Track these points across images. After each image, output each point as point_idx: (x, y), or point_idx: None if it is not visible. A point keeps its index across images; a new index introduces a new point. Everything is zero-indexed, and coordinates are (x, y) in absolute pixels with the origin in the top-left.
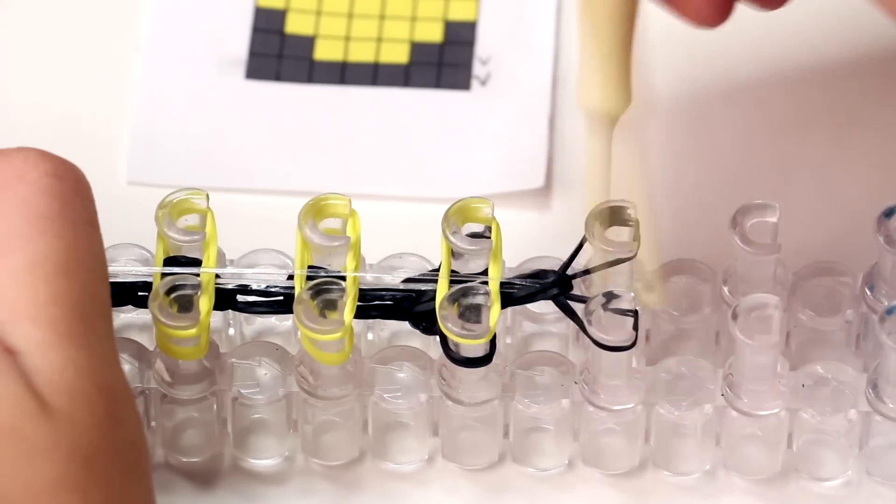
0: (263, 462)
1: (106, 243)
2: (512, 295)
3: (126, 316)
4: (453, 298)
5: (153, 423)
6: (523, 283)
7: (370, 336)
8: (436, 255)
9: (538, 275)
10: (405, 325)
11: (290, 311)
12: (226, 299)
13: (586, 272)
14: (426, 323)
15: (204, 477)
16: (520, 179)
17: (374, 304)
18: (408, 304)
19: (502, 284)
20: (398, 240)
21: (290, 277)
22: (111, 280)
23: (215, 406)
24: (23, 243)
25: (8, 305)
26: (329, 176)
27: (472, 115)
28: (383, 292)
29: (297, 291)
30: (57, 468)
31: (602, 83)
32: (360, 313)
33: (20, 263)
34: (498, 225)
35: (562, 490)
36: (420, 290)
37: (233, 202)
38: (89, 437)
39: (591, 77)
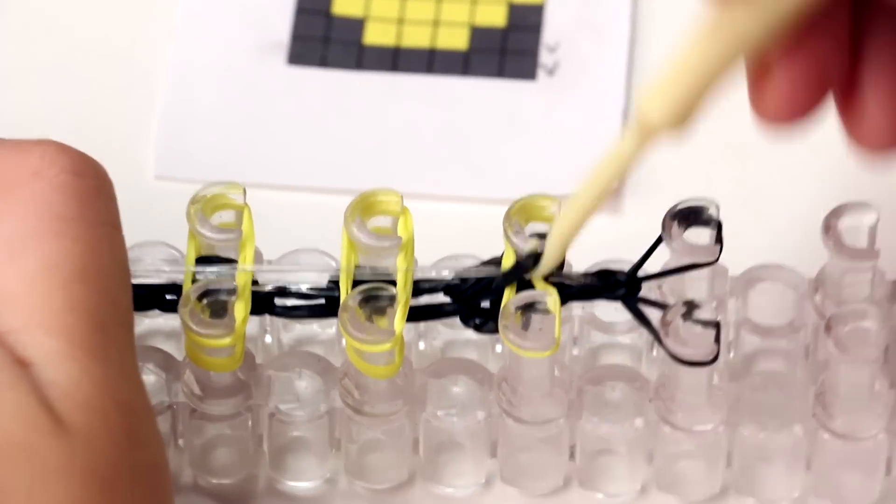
0: (303, 485)
1: (131, 242)
2: (573, 292)
3: (151, 321)
4: (517, 305)
5: (181, 441)
6: (587, 282)
7: (422, 346)
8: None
9: (604, 275)
10: (460, 335)
11: (334, 316)
12: (263, 303)
13: (659, 275)
14: (481, 318)
15: (236, 501)
16: None
17: (423, 305)
18: (457, 291)
19: (565, 285)
20: (454, 244)
21: (335, 279)
22: (135, 281)
23: (250, 423)
24: (37, 246)
25: (20, 313)
26: (378, 173)
27: (538, 107)
28: (435, 282)
29: (342, 297)
30: (71, 490)
31: (681, 102)
32: (411, 315)
33: (34, 268)
34: None
35: None
36: (478, 280)
37: (271, 200)
38: (107, 457)
39: (672, 89)
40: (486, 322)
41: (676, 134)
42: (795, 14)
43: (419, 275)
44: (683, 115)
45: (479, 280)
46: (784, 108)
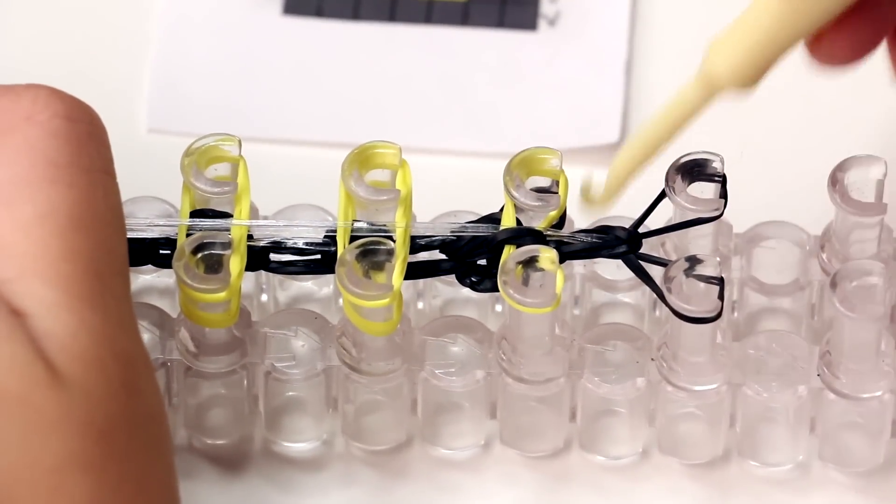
0: (299, 446)
1: (124, 197)
2: (574, 250)
3: (145, 278)
4: (518, 261)
5: (175, 400)
6: (587, 238)
7: (420, 305)
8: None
9: (605, 230)
10: (460, 293)
11: (330, 271)
12: (258, 259)
13: (662, 230)
14: (478, 276)
15: (231, 461)
16: (591, 133)
17: (420, 261)
18: (454, 247)
19: (564, 240)
20: (453, 198)
21: (331, 234)
22: (129, 236)
23: (245, 381)
24: (31, 193)
25: (15, 262)
26: (376, 126)
27: (539, 59)
28: (433, 238)
29: (339, 251)
30: (69, 443)
31: (751, 61)
32: (408, 272)
33: (28, 215)
34: (566, 179)
35: (635, 481)
36: (473, 238)
37: (267, 154)
38: (104, 408)
39: (744, 45)
40: (482, 280)
41: (743, 92)
42: None
43: (417, 231)
44: (753, 76)
45: (474, 237)
46: (843, 55)
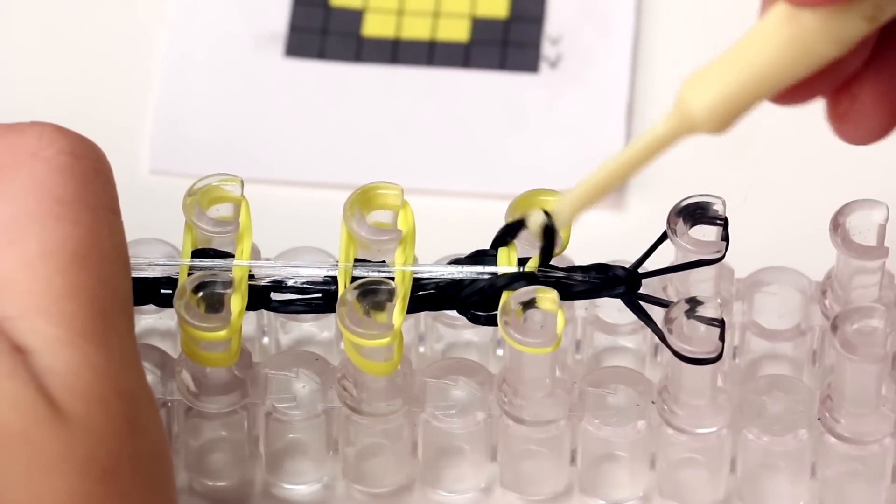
0: (299, 488)
1: (128, 238)
2: (573, 290)
3: (147, 319)
4: (519, 301)
5: (176, 442)
6: (586, 277)
7: (422, 349)
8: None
9: (604, 270)
10: (461, 337)
11: (331, 311)
12: (259, 298)
13: (662, 271)
14: (475, 311)
15: None
16: None
17: (420, 295)
18: (453, 291)
19: (564, 280)
20: (455, 240)
21: (332, 275)
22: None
23: (246, 422)
24: (36, 229)
25: (19, 299)
26: (378, 167)
27: (540, 101)
28: (426, 281)
29: (340, 290)
30: (71, 481)
31: (726, 104)
32: (409, 306)
33: (33, 252)
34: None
35: None
36: (473, 282)
37: (269, 195)
38: (107, 446)
39: (720, 87)
40: (482, 316)
41: (715, 133)
42: (868, 32)
43: (417, 272)
44: (727, 120)
45: (474, 281)
46: (873, 134)
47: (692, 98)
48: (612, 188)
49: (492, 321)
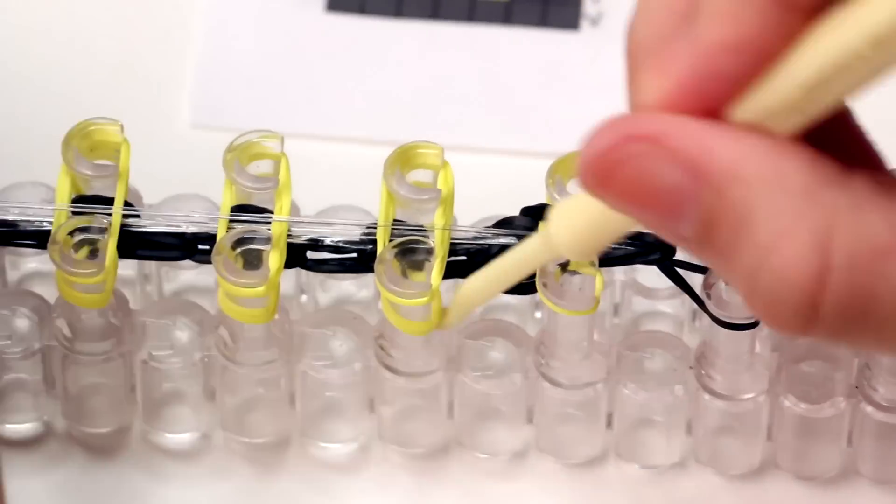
0: (335, 446)
1: (167, 193)
2: (608, 256)
3: (187, 274)
4: (558, 263)
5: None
6: (621, 244)
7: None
8: None
9: (639, 236)
10: (499, 299)
11: (367, 271)
12: (296, 256)
13: None
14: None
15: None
16: None
17: (458, 260)
18: (482, 259)
19: None
20: (496, 198)
21: (369, 233)
22: (169, 230)
23: (282, 381)
24: None
25: None
26: (418, 124)
27: (581, 59)
28: (458, 246)
29: (379, 249)
30: None
31: (586, 238)
32: (446, 271)
33: None
34: None
35: (670, 491)
36: (503, 245)
37: (309, 150)
38: None
39: (581, 222)
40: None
41: (580, 259)
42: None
43: (456, 234)
44: (589, 252)
45: (503, 248)
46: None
47: (558, 229)
48: (492, 297)
49: (525, 289)
